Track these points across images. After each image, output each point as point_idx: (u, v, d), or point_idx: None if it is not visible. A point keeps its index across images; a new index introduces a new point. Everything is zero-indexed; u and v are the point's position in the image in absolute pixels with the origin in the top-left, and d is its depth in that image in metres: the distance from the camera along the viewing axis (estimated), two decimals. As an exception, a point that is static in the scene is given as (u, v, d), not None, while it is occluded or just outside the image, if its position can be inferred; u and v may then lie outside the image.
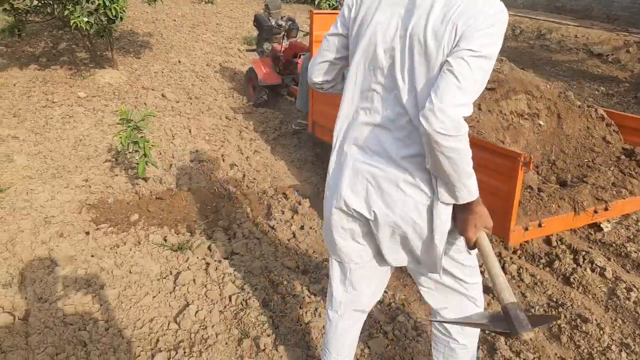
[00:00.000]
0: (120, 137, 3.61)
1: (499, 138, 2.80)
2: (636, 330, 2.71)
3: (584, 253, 3.28)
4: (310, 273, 2.97)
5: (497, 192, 2.38)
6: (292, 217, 3.58)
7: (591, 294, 2.95)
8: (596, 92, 7.60)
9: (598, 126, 3.09)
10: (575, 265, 3.21)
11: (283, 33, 6.14)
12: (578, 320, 2.74)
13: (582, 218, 2.58)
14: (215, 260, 3.00)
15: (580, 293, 2.99)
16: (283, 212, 3.62)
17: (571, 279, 3.09)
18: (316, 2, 8.63)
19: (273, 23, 6.19)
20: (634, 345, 2.58)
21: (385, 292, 2.88)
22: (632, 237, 3.50)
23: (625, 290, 2.91)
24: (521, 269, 3.14)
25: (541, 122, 3.01)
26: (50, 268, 2.82)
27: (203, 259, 3.03)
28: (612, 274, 3.04)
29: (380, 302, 2.79)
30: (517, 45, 10.36)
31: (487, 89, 2.97)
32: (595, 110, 3.17)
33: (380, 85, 1.48)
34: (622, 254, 3.33)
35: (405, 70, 1.41)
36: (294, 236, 3.37)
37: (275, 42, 6.29)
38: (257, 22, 6.29)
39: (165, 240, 3.19)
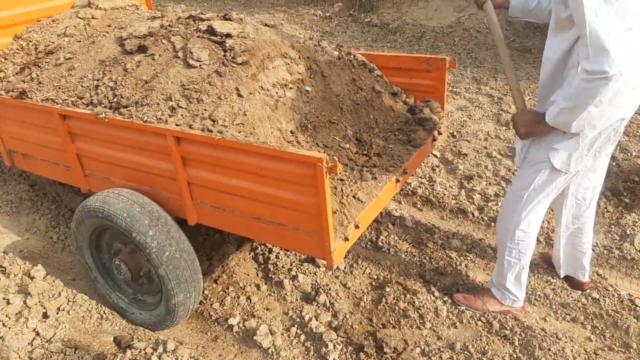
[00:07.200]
0: None
1: (276, 126, 2.20)
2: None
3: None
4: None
5: (303, 208, 1.81)
6: (25, 304, 2.43)
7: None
8: (315, 17, 7.62)
9: (363, 75, 2.75)
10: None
11: None
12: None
13: (388, 194, 2.24)
14: None
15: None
16: (8, 302, 2.43)
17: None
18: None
19: None
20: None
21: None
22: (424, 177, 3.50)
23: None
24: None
25: (308, 88, 2.50)
26: None
27: None
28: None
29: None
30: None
31: (238, 64, 2.28)
32: (354, 57, 2.81)
33: None
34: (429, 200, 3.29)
35: None
36: (32, 345, 2.25)
37: None
38: None
39: None
